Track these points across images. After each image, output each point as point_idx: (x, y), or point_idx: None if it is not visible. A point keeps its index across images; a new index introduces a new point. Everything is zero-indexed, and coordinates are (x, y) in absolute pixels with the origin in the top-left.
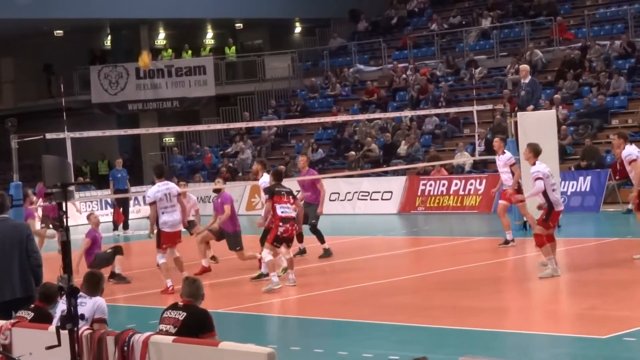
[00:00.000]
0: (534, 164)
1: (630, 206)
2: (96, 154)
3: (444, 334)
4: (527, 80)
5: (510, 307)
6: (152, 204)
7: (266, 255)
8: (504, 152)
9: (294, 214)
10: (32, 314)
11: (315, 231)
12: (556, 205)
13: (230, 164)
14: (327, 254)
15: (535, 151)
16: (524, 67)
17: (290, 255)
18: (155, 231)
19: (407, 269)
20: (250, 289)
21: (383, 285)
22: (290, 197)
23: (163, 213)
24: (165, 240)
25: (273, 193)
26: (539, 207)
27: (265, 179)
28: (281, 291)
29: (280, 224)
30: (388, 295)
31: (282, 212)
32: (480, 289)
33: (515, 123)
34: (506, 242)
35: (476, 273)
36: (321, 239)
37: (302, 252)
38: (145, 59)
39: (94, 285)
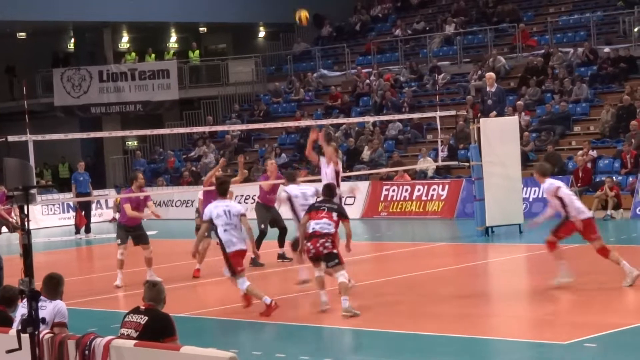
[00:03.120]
0: None
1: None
2: (58, 157)
3: (405, 339)
4: (493, 89)
5: (471, 313)
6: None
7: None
8: None
9: (324, 230)
10: None
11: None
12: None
13: (194, 168)
14: (283, 257)
15: None
16: (490, 75)
17: (321, 274)
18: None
19: (370, 274)
20: (213, 293)
21: None
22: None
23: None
24: None
25: (311, 208)
26: None
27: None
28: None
29: (305, 241)
30: (350, 300)
31: (312, 229)
32: (441, 295)
33: (478, 129)
34: None
35: (438, 278)
36: (282, 244)
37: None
38: (303, 16)
39: (53, 289)
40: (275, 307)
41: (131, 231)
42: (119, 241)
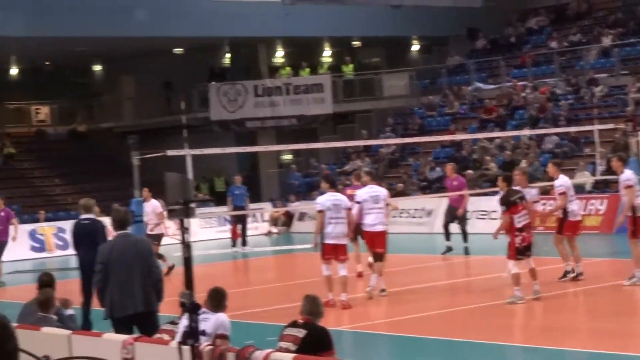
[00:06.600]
0: None
1: None
2: (214, 171)
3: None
4: None
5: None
6: (320, 212)
7: (512, 268)
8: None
9: (528, 220)
10: None
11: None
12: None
13: (348, 182)
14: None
15: None
16: None
17: (532, 265)
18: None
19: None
20: (357, 307)
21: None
22: (523, 201)
23: (329, 224)
24: (327, 251)
25: (509, 203)
26: None
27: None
28: (408, 310)
29: (517, 233)
30: (502, 316)
31: (518, 223)
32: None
33: (638, 142)
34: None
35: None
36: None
37: None
38: None
39: (217, 302)
40: (332, 304)
41: None
42: None
